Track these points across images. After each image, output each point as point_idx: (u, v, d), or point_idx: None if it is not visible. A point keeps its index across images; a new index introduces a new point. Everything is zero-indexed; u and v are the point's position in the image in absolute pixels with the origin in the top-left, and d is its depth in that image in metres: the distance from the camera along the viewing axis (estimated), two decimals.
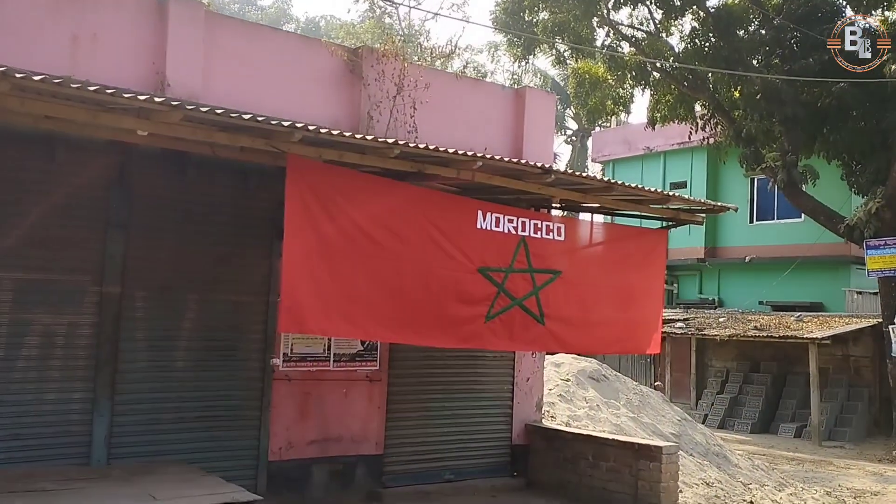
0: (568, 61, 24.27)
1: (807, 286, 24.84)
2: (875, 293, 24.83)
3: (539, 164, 7.39)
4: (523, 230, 7.76)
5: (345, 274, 6.57)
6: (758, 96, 18.93)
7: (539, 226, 7.90)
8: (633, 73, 21.81)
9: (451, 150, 6.80)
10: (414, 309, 7.03)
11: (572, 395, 11.64)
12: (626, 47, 22.05)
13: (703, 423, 18.11)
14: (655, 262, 9.04)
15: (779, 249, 25.81)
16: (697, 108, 21.76)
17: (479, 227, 7.45)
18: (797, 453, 17.60)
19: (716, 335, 21.59)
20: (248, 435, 8.42)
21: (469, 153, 6.94)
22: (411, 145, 6.55)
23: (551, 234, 7.99)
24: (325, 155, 6.51)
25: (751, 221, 27.21)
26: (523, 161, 7.33)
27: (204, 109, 5.56)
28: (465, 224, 7.37)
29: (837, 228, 18.74)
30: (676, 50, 21.11)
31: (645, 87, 22.14)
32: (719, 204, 9.08)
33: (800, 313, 21.92)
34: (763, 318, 22.15)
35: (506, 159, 7.17)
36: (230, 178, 8.27)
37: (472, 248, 7.38)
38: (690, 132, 21.51)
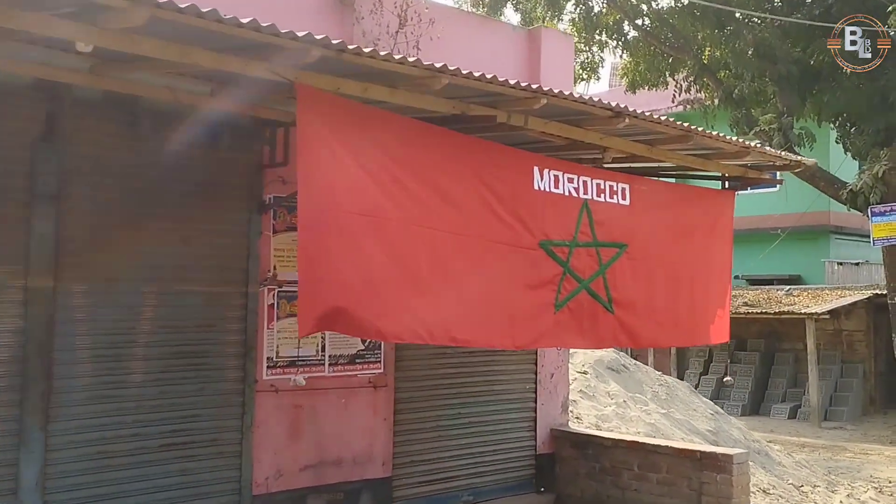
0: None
1: (785, 258, 23.71)
2: (857, 263, 23.96)
3: (608, 105, 5.66)
4: (585, 192, 6.02)
5: (393, 250, 4.75)
6: (749, 53, 17.51)
7: (602, 186, 6.17)
8: (608, 33, 20.24)
9: (511, 83, 5.01)
10: (476, 298, 5.25)
11: (594, 390, 10.02)
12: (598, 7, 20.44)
13: None
14: (724, 230, 7.42)
15: (754, 221, 24.57)
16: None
17: (536, 188, 5.68)
18: (802, 437, 16.40)
19: None
20: (227, 464, 6.55)
21: (533, 87, 5.15)
22: (464, 72, 4.73)
23: (615, 196, 6.28)
24: (345, 88, 4.65)
25: None
26: (596, 99, 5.57)
27: (183, 5, 3.64)
28: (521, 185, 5.60)
29: (839, 195, 17.45)
30: (655, 6, 19.62)
31: (623, 50, 20.58)
32: (798, 158, 7.49)
33: (789, 287, 20.76)
34: (750, 294, 20.92)
35: (573, 96, 5.41)
36: (196, 133, 6.30)
37: (531, 216, 5.62)
38: (674, 95, 20.00)
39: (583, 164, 6.24)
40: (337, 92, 4.58)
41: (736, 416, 18.91)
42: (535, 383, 8.84)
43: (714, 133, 6.47)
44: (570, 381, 10.01)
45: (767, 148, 7.08)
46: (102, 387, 5.93)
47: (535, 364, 8.83)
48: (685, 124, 6.22)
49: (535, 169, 5.71)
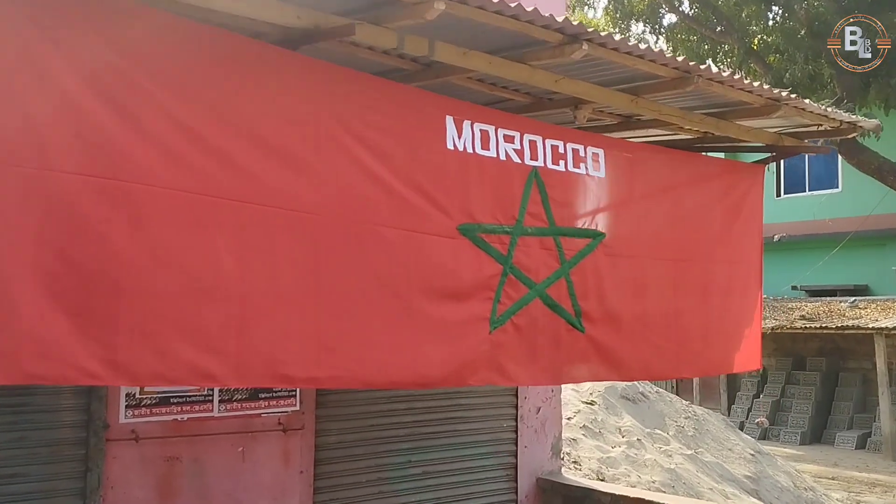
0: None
1: (848, 266, 21.19)
2: None
3: (554, 20, 3.80)
4: (533, 157, 4.15)
5: (159, 237, 2.98)
6: (801, 32, 15.45)
7: (561, 150, 4.29)
8: (645, 19, 18.40)
9: None
10: (339, 311, 3.43)
11: (602, 425, 8.05)
12: None
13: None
14: (750, 218, 5.51)
15: (813, 226, 22.13)
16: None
17: (450, 147, 3.84)
18: (872, 474, 14.08)
19: None
20: None
21: None
22: None
23: (582, 165, 4.39)
24: None
25: (778, 195, 23.48)
26: (528, 9, 3.71)
27: None
28: (424, 141, 3.76)
29: None
30: None
31: (657, 37, 18.72)
32: (852, 118, 5.47)
33: (854, 298, 18.37)
34: (808, 306, 18.59)
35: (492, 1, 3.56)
36: None
37: (443, 189, 3.78)
38: None
39: (528, 118, 4.36)
40: None
41: (794, 446, 16.74)
42: (516, 420, 6.96)
43: (727, 75, 4.52)
44: (571, 415, 8.09)
45: (807, 101, 5.09)
46: None
47: (516, 395, 6.96)
48: (682, 58, 4.31)
49: (449, 120, 3.86)
